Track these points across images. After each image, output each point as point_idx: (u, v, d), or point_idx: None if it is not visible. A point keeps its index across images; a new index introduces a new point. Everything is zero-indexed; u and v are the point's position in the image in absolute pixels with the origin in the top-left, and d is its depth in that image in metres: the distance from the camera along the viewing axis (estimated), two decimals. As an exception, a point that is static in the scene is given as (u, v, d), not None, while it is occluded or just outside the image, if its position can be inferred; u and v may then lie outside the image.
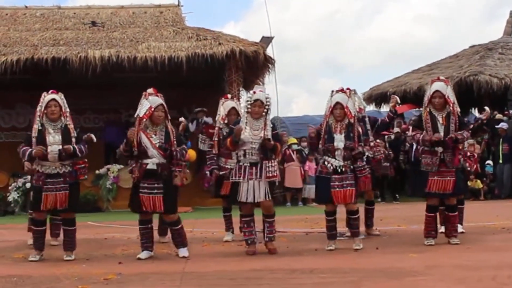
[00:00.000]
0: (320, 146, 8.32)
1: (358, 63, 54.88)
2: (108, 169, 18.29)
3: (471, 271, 6.50)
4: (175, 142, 7.89)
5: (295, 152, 19.35)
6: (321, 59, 57.02)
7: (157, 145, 7.78)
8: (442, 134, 8.25)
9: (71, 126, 7.98)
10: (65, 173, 7.88)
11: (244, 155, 8.07)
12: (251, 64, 18.53)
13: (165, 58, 17.85)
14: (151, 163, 7.78)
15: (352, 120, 8.19)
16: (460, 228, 9.71)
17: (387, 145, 18.85)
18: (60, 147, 7.80)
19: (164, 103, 7.86)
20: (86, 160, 8.17)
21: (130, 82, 18.72)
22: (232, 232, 9.86)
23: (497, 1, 55.80)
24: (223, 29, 22.08)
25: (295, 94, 54.67)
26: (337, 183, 8.15)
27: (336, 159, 8.18)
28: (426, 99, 8.40)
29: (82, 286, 6.17)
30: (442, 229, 9.12)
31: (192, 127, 18.06)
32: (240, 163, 8.12)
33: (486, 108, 10.38)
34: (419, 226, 10.82)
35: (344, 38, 55.24)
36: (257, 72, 19.71)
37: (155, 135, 7.84)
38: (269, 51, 19.24)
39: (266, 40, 19.38)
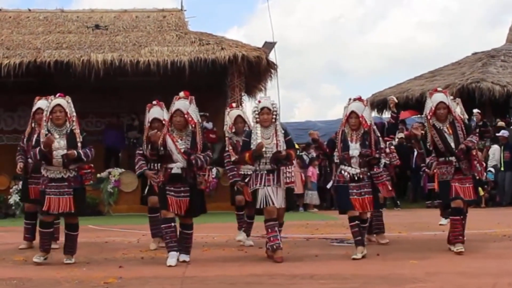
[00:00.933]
0: (335, 155, 8.31)
1: (360, 68, 54.97)
2: (109, 173, 18.30)
3: (472, 278, 6.50)
4: (200, 148, 7.88)
5: (295, 158, 19.30)
6: (323, 64, 57.08)
7: (182, 150, 7.79)
8: (453, 144, 8.24)
9: (77, 131, 7.97)
10: (69, 177, 7.87)
11: (259, 164, 8.07)
12: (254, 69, 18.55)
13: (168, 62, 17.88)
14: (176, 168, 7.79)
15: (367, 129, 8.16)
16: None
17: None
18: (65, 152, 7.79)
19: (183, 109, 7.81)
20: (92, 165, 8.16)
21: (133, 86, 18.78)
22: (244, 231, 9.81)
23: (500, 8, 55.84)
24: (226, 34, 22.15)
25: (297, 99, 54.74)
26: (355, 191, 8.10)
27: (352, 167, 8.15)
28: (429, 112, 8.33)
29: (82, 289, 6.19)
30: (442, 221, 9.05)
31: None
32: (257, 172, 8.10)
33: (475, 111, 10.42)
34: (420, 233, 10.86)
35: (347, 43, 55.33)
36: (259, 77, 19.73)
37: (181, 139, 7.85)
38: (272, 56, 19.29)
39: (269, 45, 19.41)
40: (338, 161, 8.31)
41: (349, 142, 8.15)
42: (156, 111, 9.06)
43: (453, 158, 8.25)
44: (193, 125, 7.87)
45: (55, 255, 8.54)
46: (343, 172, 8.20)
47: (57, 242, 9.35)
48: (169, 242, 7.84)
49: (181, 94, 7.96)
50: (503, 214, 15.44)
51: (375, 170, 8.26)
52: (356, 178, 8.11)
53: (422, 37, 53.93)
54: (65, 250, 8.11)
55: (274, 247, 7.97)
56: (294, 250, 8.93)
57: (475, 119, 10.05)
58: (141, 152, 9.24)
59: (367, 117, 8.17)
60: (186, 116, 7.82)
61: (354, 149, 8.12)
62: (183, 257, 7.92)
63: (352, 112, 8.16)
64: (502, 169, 19.12)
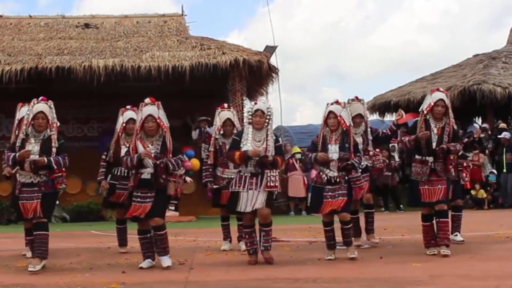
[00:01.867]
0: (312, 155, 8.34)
1: (361, 72, 54.83)
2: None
3: (475, 280, 6.50)
4: (171, 152, 7.86)
5: (298, 161, 19.35)
6: (324, 68, 56.97)
7: (152, 155, 7.77)
8: (434, 143, 8.28)
9: (54, 137, 7.91)
10: (39, 182, 7.83)
11: (246, 165, 8.06)
12: (255, 73, 18.55)
13: (169, 67, 17.89)
14: (146, 173, 7.79)
15: (346, 130, 8.20)
16: (459, 237, 9.70)
17: (394, 154, 18.89)
18: (37, 157, 7.76)
19: (154, 113, 7.80)
20: (63, 169, 8.07)
21: (134, 91, 18.76)
22: (230, 242, 9.93)
23: (501, 10, 55.75)
24: (227, 38, 22.20)
25: (299, 103, 54.62)
26: (329, 194, 8.18)
27: (330, 169, 8.19)
28: (426, 106, 8.38)
29: (85, 295, 6.19)
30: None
31: (195, 135, 18.10)
32: (241, 173, 8.11)
33: (476, 125, 10.46)
34: (423, 236, 10.82)
35: (348, 47, 55.20)
36: (260, 81, 19.73)
37: (152, 145, 7.85)
38: (273, 60, 19.28)
39: (270, 49, 19.41)
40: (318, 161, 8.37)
41: (328, 145, 8.20)
42: (130, 113, 9.46)
43: (429, 159, 8.29)
44: (164, 130, 7.88)
45: (57, 261, 8.55)
46: (321, 173, 8.26)
47: None
48: (146, 252, 8.00)
49: (147, 100, 7.92)
50: (505, 216, 15.41)
51: (353, 174, 8.36)
52: (333, 181, 8.16)
53: (423, 40, 53.87)
54: (34, 253, 7.96)
55: (251, 251, 8.20)
56: (297, 254, 8.94)
57: (474, 131, 10.10)
58: (104, 157, 9.63)
59: (345, 117, 8.23)
60: (158, 120, 7.81)
61: (334, 152, 8.18)
62: (165, 261, 7.85)
63: (330, 112, 8.23)
64: (504, 170, 19.11)
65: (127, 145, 9.17)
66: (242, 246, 9.48)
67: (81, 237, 12.63)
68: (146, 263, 7.91)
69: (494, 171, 19.41)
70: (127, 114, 9.51)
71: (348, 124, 8.23)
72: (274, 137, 8.22)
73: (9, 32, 21.00)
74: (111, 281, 6.78)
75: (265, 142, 8.03)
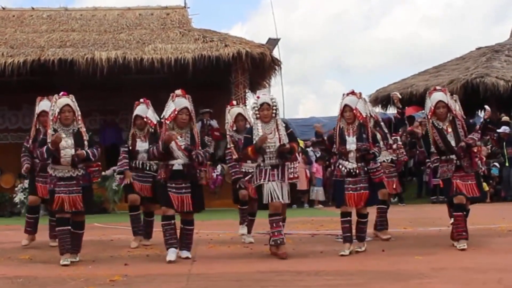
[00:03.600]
0: (334, 149, 8.32)
1: (364, 64, 54.88)
2: (114, 171, 18.26)
3: (477, 273, 6.49)
4: (199, 145, 7.94)
5: (300, 154, 19.32)
6: (327, 60, 57.04)
7: (182, 147, 7.82)
8: (453, 142, 8.25)
9: (83, 130, 7.97)
10: (78, 176, 7.86)
11: (263, 160, 8.05)
12: (258, 65, 18.55)
13: (172, 59, 17.89)
14: (177, 164, 7.84)
15: (363, 121, 8.17)
16: None
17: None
18: (73, 151, 7.78)
19: (189, 106, 7.94)
20: (99, 163, 8.20)
21: (137, 83, 18.77)
22: (246, 226, 9.85)
23: (504, 3, 55.76)
24: (230, 31, 22.15)
25: (301, 95, 54.67)
26: (351, 186, 8.09)
27: (349, 161, 8.15)
28: (428, 111, 8.37)
29: (88, 287, 6.19)
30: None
31: (197, 128, 18.09)
32: (261, 167, 8.08)
33: (486, 107, 10.43)
34: (425, 229, 10.85)
35: (351, 39, 55.24)
36: (263, 73, 19.73)
37: (181, 137, 7.90)
38: (276, 53, 19.29)
39: (273, 42, 19.41)
40: (337, 154, 8.32)
41: (346, 136, 8.15)
42: (141, 109, 9.38)
43: (453, 156, 8.27)
44: (193, 123, 8.04)
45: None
46: (340, 166, 8.20)
47: (57, 240, 9.33)
48: (169, 239, 7.87)
49: (178, 92, 8.01)
50: (508, 209, 15.42)
51: (371, 165, 8.25)
52: (352, 173, 8.11)
53: (426, 32, 53.90)
54: (71, 249, 8.01)
55: (278, 241, 7.96)
56: (300, 247, 8.94)
57: (483, 115, 10.08)
58: (126, 149, 9.48)
59: (361, 109, 8.17)
60: (192, 114, 7.94)
61: (351, 143, 8.11)
62: (185, 253, 7.94)
63: (346, 105, 8.16)
64: (506, 164, 19.10)
65: (142, 139, 9.25)
66: (242, 230, 9.52)
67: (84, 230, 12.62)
68: (171, 255, 7.74)
69: (497, 164, 19.39)
70: (138, 109, 9.42)
71: (364, 116, 8.18)
72: (284, 124, 8.19)
73: (12, 25, 21.01)
74: (114, 274, 6.78)
75: (276, 133, 8.01)
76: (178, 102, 7.92)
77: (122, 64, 17.91)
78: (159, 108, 8.79)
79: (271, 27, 33.04)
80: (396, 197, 19.31)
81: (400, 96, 10.23)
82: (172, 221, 7.89)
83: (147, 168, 9.33)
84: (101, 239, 10.56)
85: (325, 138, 8.68)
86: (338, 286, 6.11)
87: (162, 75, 18.15)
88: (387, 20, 59.13)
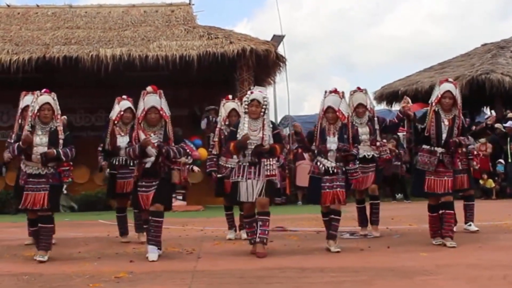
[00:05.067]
0: (313, 147, 8.34)
1: (370, 61, 54.72)
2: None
3: (482, 270, 6.48)
4: (173, 141, 7.87)
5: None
6: (333, 57, 56.91)
7: (155, 144, 7.77)
8: (444, 135, 8.26)
9: (60, 128, 7.92)
10: (47, 174, 7.82)
11: (244, 155, 8.02)
12: (262, 62, 18.52)
13: (177, 56, 17.87)
14: (150, 162, 7.79)
15: (345, 122, 8.19)
16: (473, 227, 9.73)
17: (402, 143, 18.86)
18: (46, 149, 7.75)
19: (157, 105, 7.79)
20: (71, 163, 8.11)
21: (142, 80, 18.76)
22: (235, 230, 9.98)
23: (510, 0, 55.50)
24: (235, 28, 22.06)
25: (306, 92, 54.57)
26: (327, 184, 8.15)
27: (328, 160, 8.18)
28: (434, 98, 8.38)
29: (93, 284, 6.19)
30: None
31: (203, 124, 18.09)
32: (240, 163, 8.07)
33: (493, 112, 10.46)
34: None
35: (356, 36, 55.09)
36: (268, 70, 19.70)
37: (154, 134, 7.84)
38: (281, 50, 19.24)
39: (277, 39, 19.37)
40: (316, 151, 8.34)
41: (327, 136, 8.18)
42: (127, 103, 9.63)
43: (438, 149, 8.27)
44: (166, 119, 7.87)
45: (65, 250, 8.58)
46: (318, 163, 8.24)
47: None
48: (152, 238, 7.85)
49: (149, 88, 7.90)
50: (513, 206, 15.38)
51: (350, 166, 8.26)
52: (330, 171, 8.14)
53: (432, 29, 53.70)
54: (38, 246, 7.92)
55: (252, 241, 8.06)
56: (305, 243, 8.94)
57: (489, 121, 10.09)
58: (100, 149, 9.70)
59: (344, 110, 8.20)
60: (161, 112, 7.80)
61: (332, 142, 8.16)
62: (152, 251, 7.69)
63: (329, 107, 8.18)
64: (510, 160, 19.04)
65: (122, 134, 9.24)
66: (243, 235, 9.50)
67: (89, 226, 12.66)
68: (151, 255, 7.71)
69: (502, 161, 19.35)
70: (124, 103, 9.52)
71: (346, 116, 8.20)
72: (272, 126, 8.13)
73: (17, 22, 21.02)
74: (119, 270, 6.79)
75: (261, 131, 7.96)
76: (147, 100, 7.80)
77: (127, 61, 17.90)
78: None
79: (276, 24, 33.04)
80: (401, 194, 19.43)
81: (410, 103, 10.07)
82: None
83: (131, 164, 9.04)
84: (106, 236, 10.57)
85: (303, 134, 8.74)
86: (343, 282, 6.10)
87: (167, 72, 18.14)
88: (392, 16, 59.03)
